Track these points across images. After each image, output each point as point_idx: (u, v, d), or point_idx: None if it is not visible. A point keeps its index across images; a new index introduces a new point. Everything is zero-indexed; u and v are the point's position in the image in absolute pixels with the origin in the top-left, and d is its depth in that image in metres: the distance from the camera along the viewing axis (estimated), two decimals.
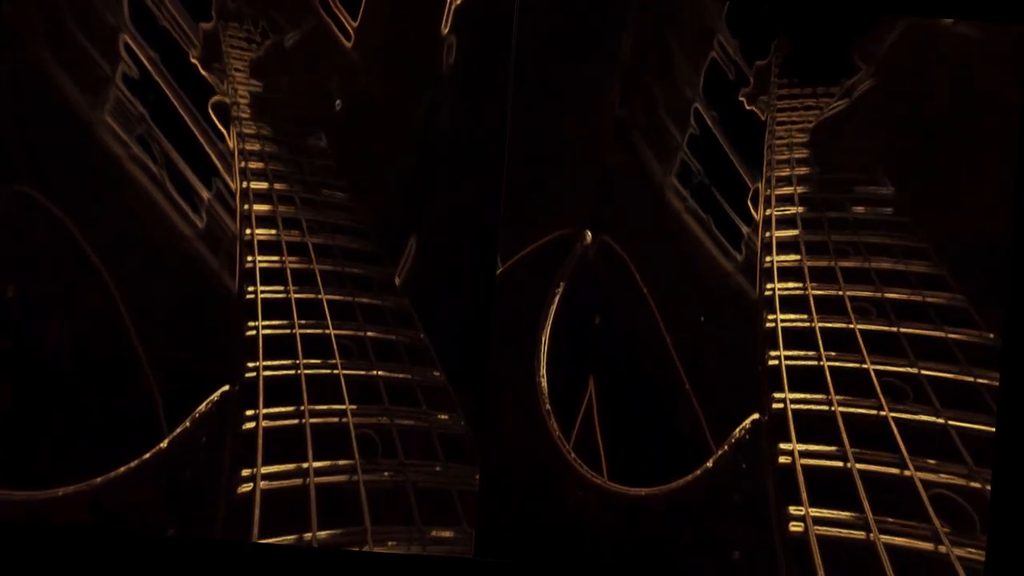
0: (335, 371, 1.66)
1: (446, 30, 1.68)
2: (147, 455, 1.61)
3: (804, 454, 1.62)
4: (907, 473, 1.59)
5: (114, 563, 1.61)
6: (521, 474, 1.64)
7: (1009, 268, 1.62)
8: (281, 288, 1.68)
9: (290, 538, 1.59)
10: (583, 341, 1.66)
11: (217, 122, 1.69)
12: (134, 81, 1.66)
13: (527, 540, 1.63)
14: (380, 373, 1.67)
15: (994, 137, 1.64)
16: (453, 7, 1.68)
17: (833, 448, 1.62)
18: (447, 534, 1.63)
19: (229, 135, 1.69)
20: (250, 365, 1.64)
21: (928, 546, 1.58)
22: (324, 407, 1.64)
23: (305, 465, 1.62)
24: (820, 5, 1.67)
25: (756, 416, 1.65)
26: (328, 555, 1.60)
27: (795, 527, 1.60)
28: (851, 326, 1.66)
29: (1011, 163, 1.63)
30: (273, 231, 1.70)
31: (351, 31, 1.69)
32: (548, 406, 1.65)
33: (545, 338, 1.66)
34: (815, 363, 1.66)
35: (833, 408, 1.63)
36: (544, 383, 1.65)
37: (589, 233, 1.67)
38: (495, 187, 1.66)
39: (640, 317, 1.66)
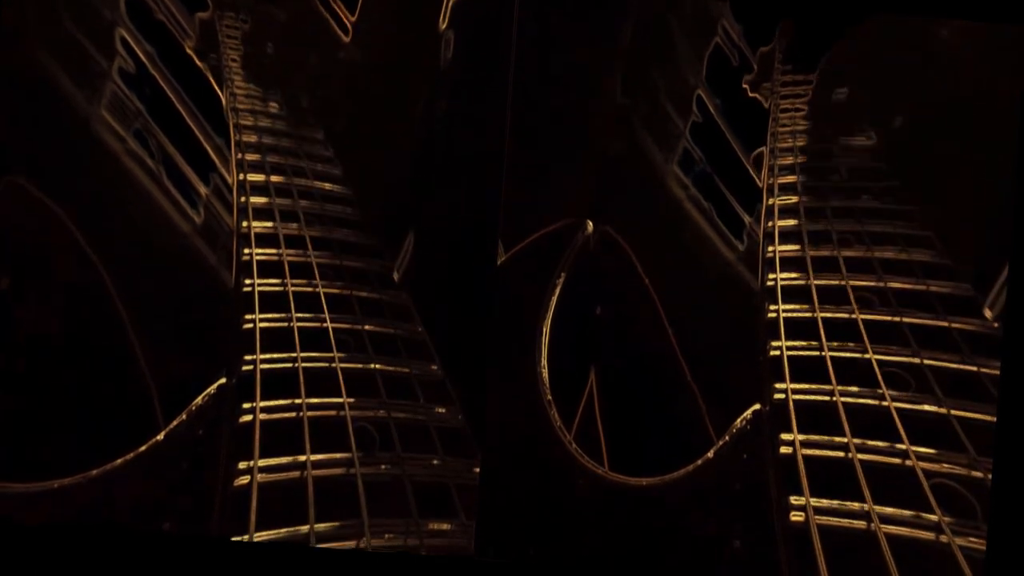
0: (332, 364, 1.65)
1: (444, 25, 1.67)
2: (143, 448, 1.61)
3: (805, 444, 1.62)
4: (909, 463, 1.59)
5: (111, 559, 1.61)
6: (522, 465, 1.64)
7: (1009, 257, 1.61)
8: (278, 281, 1.68)
9: (287, 531, 1.59)
10: (584, 331, 1.66)
11: (214, 115, 1.69)
12: (130, 75, 1.66)
13: (528, 531, 1.63)
14: (378, 366, 1.67)
15: (994, 136, 1.62)
16: (451, 2, 1.67)
17: (834, 438, 1.61)
18: (445, 527, 1.63)
19: (226, 127, 1.69)
20: (247, 358, 1.64)
21: (929, 536, 1.57)
22: (321, 400, 1.64)
23: (302, 458, 1.61)
24: (822, 5, 1.66)
25: (757, 406, 1.65)
26: (326, 554, 1.60)
27: (796, 517, 1.60)
28: (853, 316, 1.65)
29: (1011, 162, 1.62)
30: (270, 224, 1.70)
31: (349, 25, 1.68)
32: (549, 396, 1.65)
33: (546, 329, 1.66)
34: (817, 353, 1.65)
35: (835, 398, 1.62)
36: (545, 374, 1.65)
37: (590, 223, 1.66)
38: (495, 176, 1.65)
39: (641, 307, 1.66)
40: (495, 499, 1.63)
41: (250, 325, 1.65)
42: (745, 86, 1.68)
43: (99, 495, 1.61)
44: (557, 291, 1.67)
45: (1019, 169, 1.62)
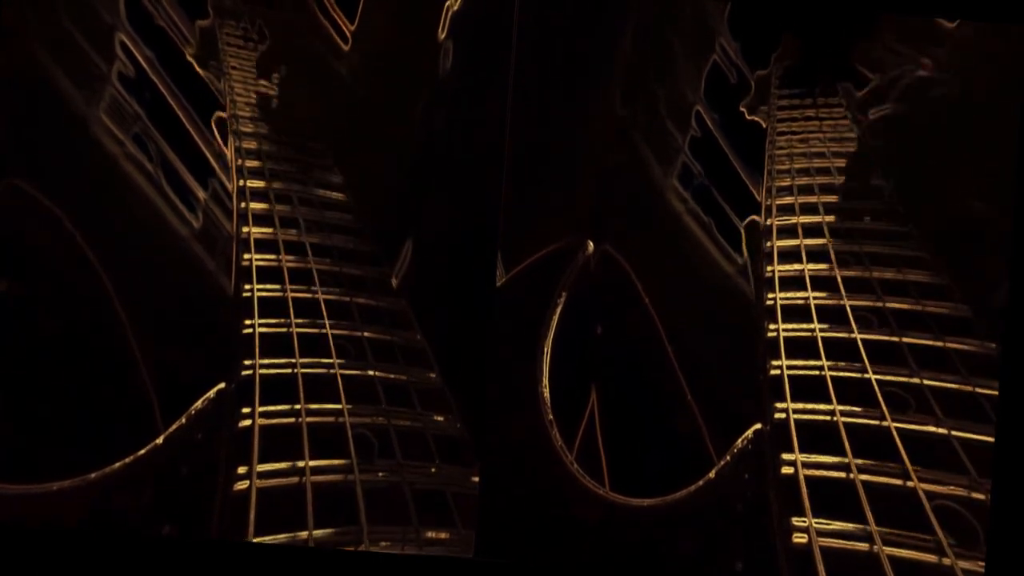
0: (331, 370, 1.64)
1: (443, 35, 1.68)
2: (143, 452, 1.60)
3: (807, 464, 1.61)
4: (910, 484, 1.58)
5: (110, 563, 1.59)
6: (523, 484, 1.63)
7: (1008, 275, 1.61)
8: (278, 287, 1.67)
9: (286, 536, 1.58)
10: (585, 351, 1.65)
11: (214, 121, 1.68)
12: (130, 79, 1.66)
13: (529, 550, 1.61)
14: (376, 373, 1.66)
15: (993, 146, 1.64)
16: (450, 13, 1.67)
17: (836, 458, 1.60)
18: (443, 535, 1.61)
19: (226, 133, 1.68)
20: (246, 363, 1.63)
21: (931, 557, 1.56)
22: (320, 406, 1.63)
23: (301, 464, 1.60)
24: (820, 12, 1.68)
25: (758, 426, 1.64)
26: (326, 556, 1.58)
27: (798, 538, 1.59)
28: (853, 336, 1.65)
29: (1011, 164, 1.63)
30: (270, 229, 1.69)
31: (348, 34, 1.69)
32: (550, 416, 1.64)
33: (547, 348, 1.65)
34: (817, 373, 1.64)
35: (835, 418, 1.62)
36: (546, 393, 1.64)
37: (591, 243, 1.66)
38: (494, 190, 1.65)
39: (642, 327, 1.65)
40: (496, 518, 1.62)
41: (249, 330, 1.64)
42: (743, 109, 1.69)
43: (98, 499, 1.59)
44: (558, 311, 1.66)
45: (1019, 178, 1.63)
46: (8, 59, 1.64)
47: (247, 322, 1.64)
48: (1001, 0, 1.64)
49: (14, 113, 1.63)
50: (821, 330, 1.67)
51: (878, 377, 1.63)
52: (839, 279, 1.68)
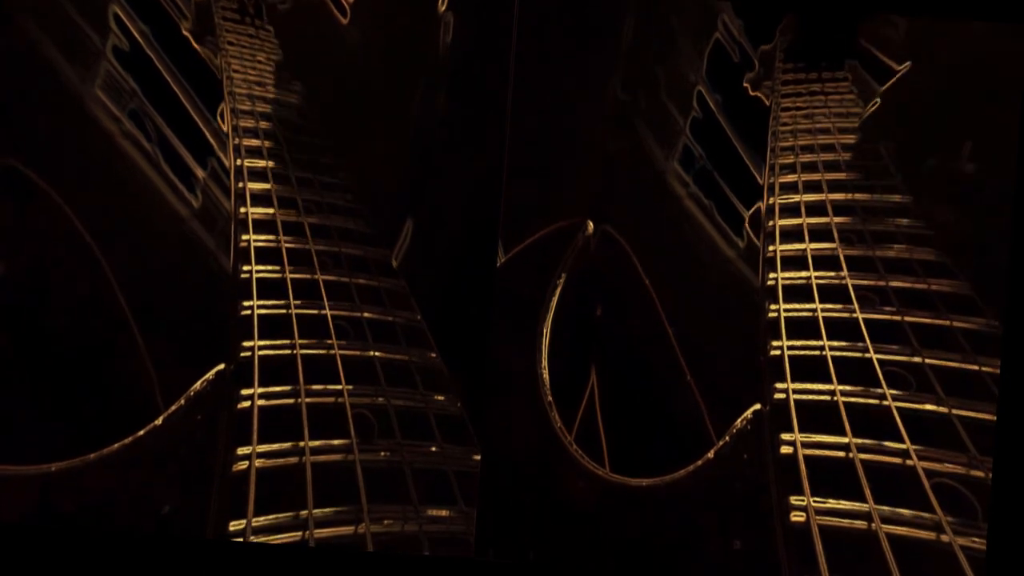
0: (331, 351, 1.64)
1: (443, 8, 1.66)
2: (142, 432, 1.59)
3: (806, 444, 1.61)
4: (909, 463, 1.58)
5: (107, 559, 1.60)
6: (522, 465, 1.63)
7: (1009, 257, 1.61)
8: (277, 267, 1.66)
9: (286, 516, 1.58)
10: (585, 332, 1.65)
11: (210, 98, 1.67)
12: (125, 55, 1.64)
13: (529, 533, 1.61)
14: (376, 353, 1.65)
15: (994, 135, 1.63)
16: None
17: (835, 438, 1.60)
18: (444, 513, 1.62)
19: (223, 111, 1.66)
20: (246, 344, 1.62)
21: (930, 536, 1.56)
22: (320, 387, 1.62)
23: (301, 444, 1.60)
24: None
25: (758, 406, 1.64)
26: (325, 555, 1.59)
27: (797, 517, 1.59)
28: (854, 315, 1.64)
29: (1012, 160, 1.62)
30: (269, 210, 1.68)
31: (347, 7, 1.67)
32: (550, 397, 1.64)
33: (547, 329, 1.65)
34: (817, 352, 1.64)
35: (836, 398, 1.61)
36: (546, 374, 1.64)
37: (591, 223, 1.65)
38: (495, 169, 1.64)
39: (642, 308, 1.65)
40: (496, 500, 1.62)
41: (248, 311, 1.64)
42: (746, 85, 1.68)
43: (98, 479, 1.59)
44: (558, 291, 1.65)
45: (1019, 169, 1.63)
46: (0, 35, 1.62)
47: (246, 303, 1.64)
48: (1001, 0, 1.63)
49: (7, 91, 1.62)
50: (822, 310, 1.66)
51: (879, 356, 1.63)
52: (842, 258, 1.67)
